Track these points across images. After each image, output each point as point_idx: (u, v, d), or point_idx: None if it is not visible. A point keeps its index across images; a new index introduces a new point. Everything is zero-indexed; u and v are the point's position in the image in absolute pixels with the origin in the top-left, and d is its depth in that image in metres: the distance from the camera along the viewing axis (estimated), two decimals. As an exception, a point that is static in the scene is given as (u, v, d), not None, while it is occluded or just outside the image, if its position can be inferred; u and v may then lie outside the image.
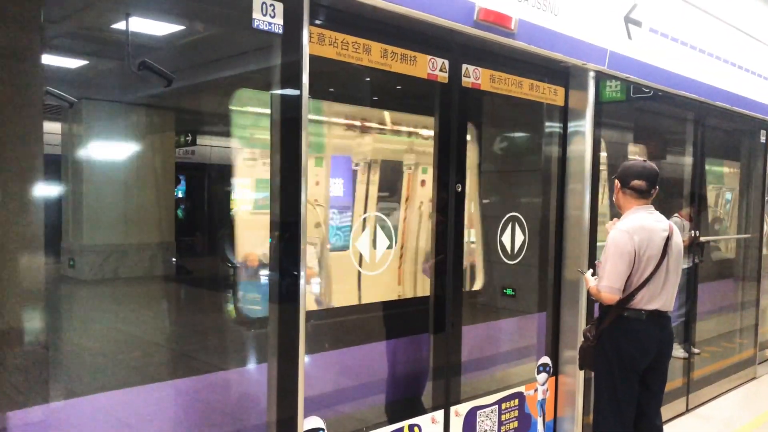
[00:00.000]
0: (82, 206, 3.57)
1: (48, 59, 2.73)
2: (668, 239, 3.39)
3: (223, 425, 3.06)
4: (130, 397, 2.68)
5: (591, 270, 3.63)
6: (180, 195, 5.11)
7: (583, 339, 3.60)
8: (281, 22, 2.75)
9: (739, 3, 5.78)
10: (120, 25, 2.60)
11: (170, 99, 3.61)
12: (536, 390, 4.27)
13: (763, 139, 6.59)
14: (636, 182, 3.44)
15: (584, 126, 4.26)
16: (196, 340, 3.65)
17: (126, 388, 2.73)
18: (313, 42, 2.89)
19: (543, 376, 4.32)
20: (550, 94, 4.23)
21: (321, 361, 3.49)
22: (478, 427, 3.86)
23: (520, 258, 4.20)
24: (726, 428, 5.16)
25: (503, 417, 4.03)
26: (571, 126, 4.33)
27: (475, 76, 3.70)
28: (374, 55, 3.19)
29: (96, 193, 3.57)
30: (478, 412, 3.86)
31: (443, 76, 3.53)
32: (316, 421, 3.05)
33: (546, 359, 4.36)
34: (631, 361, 3.41)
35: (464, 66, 3.63)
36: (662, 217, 3.49)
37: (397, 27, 3.27)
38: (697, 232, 5.77)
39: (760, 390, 6.34)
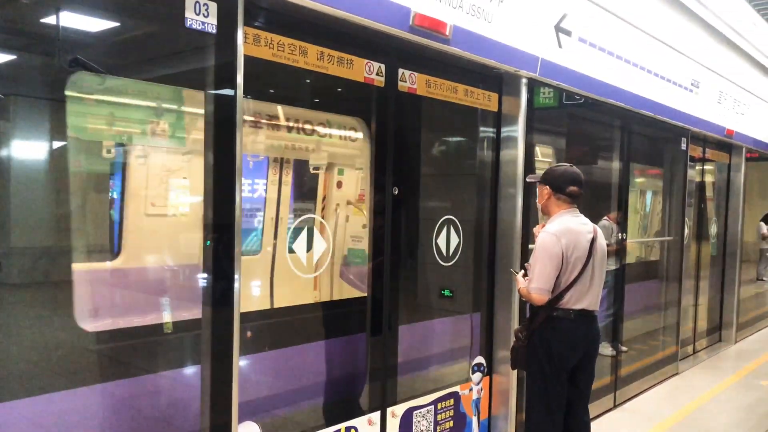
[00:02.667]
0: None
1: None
2: (593, 241, 3.53)
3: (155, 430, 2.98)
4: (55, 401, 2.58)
5: (523, 271, 3.74)
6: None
7: (514, 339, 3.69)
8: (215, 21, 2.72)
9: (662, 17, 6.07)
10: (50, 20, 2.51)
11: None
12: (471, 389, 4.35)
13: (684, 146, 6.94)
14: (572, 188, 3.55)
15: (517, 131, 4.38)
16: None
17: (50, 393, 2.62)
18: (248, 43, 2.87)
19: (477, 375, 4.41)
20: (485, 99, 4.34)
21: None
22: (414, 427, 3.90)
23: (455, 260, 4.27)
24: (650, 422, 5.40)
25: (439, 417, 4.09)
26: (504, 131, 4.44)
27: (411, 80, 3.75)
28: (310, 57, 3.19)
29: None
30: (415, 412, 3.90)
31: (380, 80, 3.56)
32: (251, 427, 3.02)
33: (480, 359, 4.45)
34: (561, 360, 3.52)
35: (400, 70, 3.67)
36: (587, 219, 3.63)
37: (333, 30, 3.28)
38: (624, 234, 6.02)
39: (681, 385, 6.66)
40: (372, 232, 3.69)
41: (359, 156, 4.66)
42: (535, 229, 3.81)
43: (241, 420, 2.91)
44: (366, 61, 3.47)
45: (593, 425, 5.22)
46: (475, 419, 4.38)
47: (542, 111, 4.73)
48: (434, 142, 4.84)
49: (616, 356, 5.91)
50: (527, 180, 4.12)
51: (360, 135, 4.49)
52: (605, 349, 6.02)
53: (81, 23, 2.74)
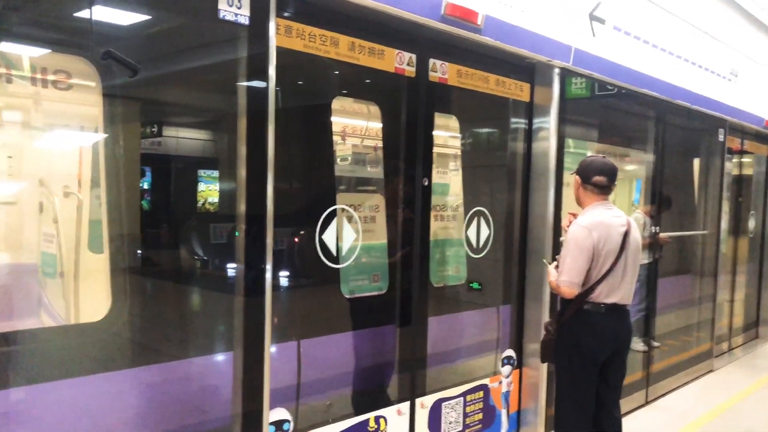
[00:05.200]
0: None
1: (7, 47, 2.65)
2: (626, 234, 3.47)
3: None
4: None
5: (555, 262, 3.70)
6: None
7: (544, 332, 3.66)
8: (248, 13, 2.73)
9: (700, 3, 5.92)
10: (83, 14, 2.54)
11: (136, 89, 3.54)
12: (500, 382, 4.33)
13: (721, 137, 6.78)
14: (597, 178, 3.51)
15: (549, 122, 4.32)
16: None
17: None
18: (280, 34, 2.88)
19: (507, 368, 4.38)
20: (516, 90, 4.29)
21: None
22: (443, 418, 3.90)
23: (485, 252, 4.25)
24: (683, 420, 5.30)
25: (468, 409, 4.08)
26: (536, 122, 4.39)
27: (442, 70, 3.72)
28: (342, 48, 3.19)
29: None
30: (444, 404, 3.90)
31: (410, 71, 3.55)
32: (281, 413, 3.05)
33: (510, 352, 4.42)
34: (590, 354, 3.48)
35: (431, 61, 3.65)
36: (621, 212, 3.58)
37: (365, 20, 3.27)
38: (658, 228, 5.91)
39: (716, 382, 6.53)
40: (402, 223, 3.68)
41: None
42: (563, 222, 3.76)
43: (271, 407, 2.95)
44: (397, 51, 3.46)
45: (625, 421, 5.16)
46: (504, 412, 4.36)
47: (575, 102, 4.66)
48: (465, 132, 4.81)
49: (648, 352, 5.82)
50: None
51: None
52: (637, 344, 5.93)
53: (113, 16, 2.78)
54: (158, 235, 4.35)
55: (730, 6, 6.38)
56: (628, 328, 3.60)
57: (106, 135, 3.02)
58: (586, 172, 3.54)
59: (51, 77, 2.73)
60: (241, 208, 2.81)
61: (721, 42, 6.31)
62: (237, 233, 2.87)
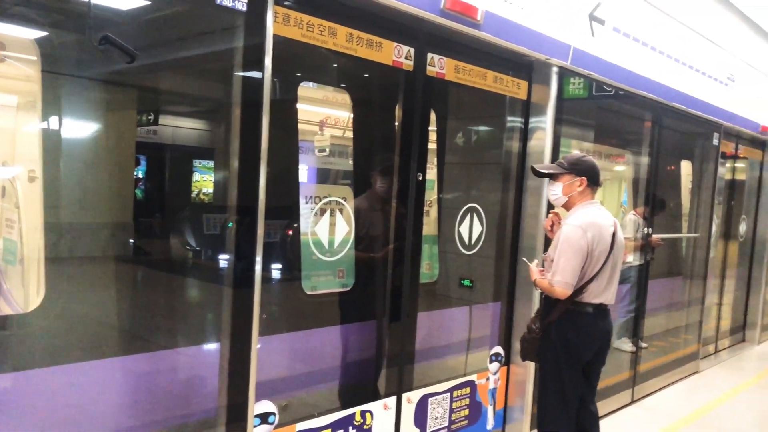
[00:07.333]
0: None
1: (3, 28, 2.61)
2: (614, 235, 3.47)
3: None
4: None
5: (536, 261, 3.69)
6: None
7: (526, 331, 3.66)
8: (245, -1, 2.70)
9: (697, 6, 5.91)
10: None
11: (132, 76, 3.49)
12: (488, 379, 4.33)
13: (715, 141, 6.79)
14: (601, 179, 3.55)
15: (545, 122, 4.30)
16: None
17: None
18: (277, 22, 2.85)
19: (495, 365, 4.39)
20: (514, 87, 4.27)
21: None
22: (429, 413, 3.90)
23: (477, 249, 4.24)
24: (668, 419, 5.34)
25: (454, 405, 4.08)
26: (533, 121, 4.37)
27: (440, 65, 3.69)
28: (339, 38, 3.16)
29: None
30: (430, 399, 3.90)
31: (408, 64, 3.52)
32: (267, 406, 3.04)
33: (498, 349, 4.42)
34: (578, 353, 3.49)
35: (429, 55, 3.62)
36: (608, 212, 3.58)
37: (364, 11, 3.24)
38: (651, 229, 5.92)
39: (701, 384, 6.57)
40: (395, 217, 3.67)
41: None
42: (545, 223, 3.74)
43: (258, 399, 2.94)
44: (395, 44, 3.43)
45: (610, 420, 5.21)
46: (490, 408, 4.37)
47: (572, 101, 4.65)
48: (461, 129, 4.79)
49: (635, 352, 5.85)
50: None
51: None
52: (625, 344, 5.96)
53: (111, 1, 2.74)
54: (150, 224, 4.32)
55: (729, 10, 6.37)
56: (611, 328, 3.63)
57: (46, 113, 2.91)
58: (593, 173, 3.54)
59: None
60: (233, 199, 2.79)
61: (719, 47, 6.31)
62: (230, 224, 2.85)
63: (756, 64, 7.13)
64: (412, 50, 3.51)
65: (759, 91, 7.34)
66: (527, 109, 4.37)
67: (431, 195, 4.34)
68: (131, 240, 3.77)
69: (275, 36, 2.80)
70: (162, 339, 3.33)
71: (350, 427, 3.41)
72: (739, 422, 5.41)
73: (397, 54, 3.45)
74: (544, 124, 4.31)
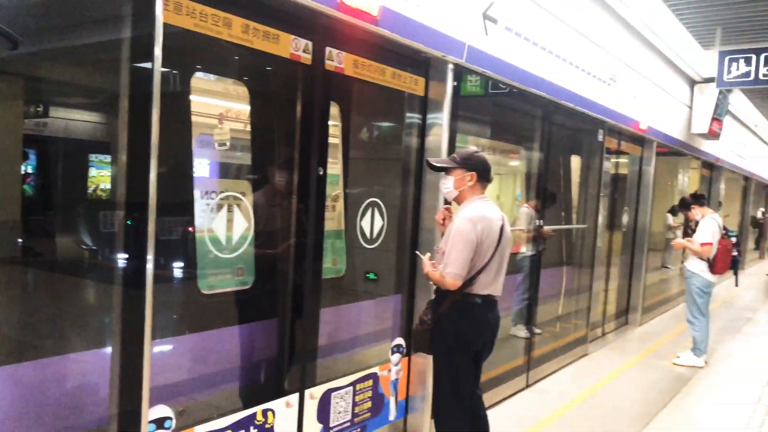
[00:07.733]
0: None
1: None
2: (502, 228, 3.62)
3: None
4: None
5: (429, 254, 3.76)
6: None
7: (418, 323, 3.72)
8: (131, -15, 2.57)
9: (585, 11, 6.26)
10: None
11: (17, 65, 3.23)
12: (390, 370, 4.40)
13: (600, 138, 7.23)
14: (492, 175, 3.65)
15: (442, 118, 4.40)
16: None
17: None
18: (168, 10, 2.73)
19: (396, 356, 4.46)
20: (411, 83, 4.34)
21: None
22: (332, 408, 3.91)
23: (378, 243, 4.28)
24: (559, 400, 5.65)
25: (357, 398, 4.11)
26: (430, 117, 4.45)
27: (338, 60, 3.69)
28: (235, 29, 3.08)
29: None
30: (333, 394, 3.90)
31: (306, 58, 3.49)
32: (163, 410, 2.93)
33: (400, 340, 4.50)
34: (470, 343, 3.60)
35: (328, 49, 3.61)
36: (497, 207, 3.72)
37: (260, 3, 3.18)
38: (542, 221, 6.22)
39: (590, 366, 7.00)
40: (296, 213, 3.63)
41: None
42: (437, 216, 3.83)
43: (152, 404, 2.82)
44: (293, 37, 3.38)
45: (506, 405, 5.45)
46: (392, 399, 4.43)
47: (468, 99, 4.78)
48: (364, 125, 4.81)
49: (530, 338, 6.13)
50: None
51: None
52: (520, 331, 6.24)
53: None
54: (41, 223, 4.03)
55: (611, 15, 6.79)
56: (499, 318, 3.74)
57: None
58: (484, 169, 3.64)
59: None
60: (122, 195, 2.66)
61: (602, 48, 6.71)
62: (129, 222, 2.72)
63: (634, 65, 7.65)
64: (310, 44, 3.48)
65: (637, 91, 7.88)
66: (425, 105, 4.45)
67: (335, 190, 4.33)
68: (19, 240, 3.51)
69: (166, 25, 2.69)
70: (52, 345, 3.13)
71: (251, 427, 3.35)
72: (622, 400, 5.82)
73: (295, 47, 3.41)
74: (441, 121, 4.41)
